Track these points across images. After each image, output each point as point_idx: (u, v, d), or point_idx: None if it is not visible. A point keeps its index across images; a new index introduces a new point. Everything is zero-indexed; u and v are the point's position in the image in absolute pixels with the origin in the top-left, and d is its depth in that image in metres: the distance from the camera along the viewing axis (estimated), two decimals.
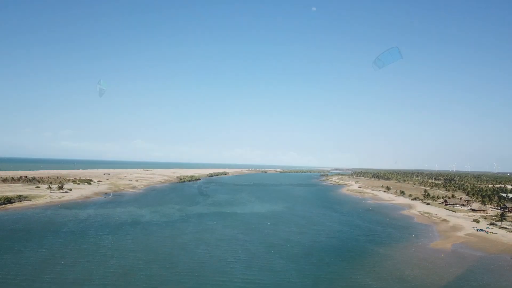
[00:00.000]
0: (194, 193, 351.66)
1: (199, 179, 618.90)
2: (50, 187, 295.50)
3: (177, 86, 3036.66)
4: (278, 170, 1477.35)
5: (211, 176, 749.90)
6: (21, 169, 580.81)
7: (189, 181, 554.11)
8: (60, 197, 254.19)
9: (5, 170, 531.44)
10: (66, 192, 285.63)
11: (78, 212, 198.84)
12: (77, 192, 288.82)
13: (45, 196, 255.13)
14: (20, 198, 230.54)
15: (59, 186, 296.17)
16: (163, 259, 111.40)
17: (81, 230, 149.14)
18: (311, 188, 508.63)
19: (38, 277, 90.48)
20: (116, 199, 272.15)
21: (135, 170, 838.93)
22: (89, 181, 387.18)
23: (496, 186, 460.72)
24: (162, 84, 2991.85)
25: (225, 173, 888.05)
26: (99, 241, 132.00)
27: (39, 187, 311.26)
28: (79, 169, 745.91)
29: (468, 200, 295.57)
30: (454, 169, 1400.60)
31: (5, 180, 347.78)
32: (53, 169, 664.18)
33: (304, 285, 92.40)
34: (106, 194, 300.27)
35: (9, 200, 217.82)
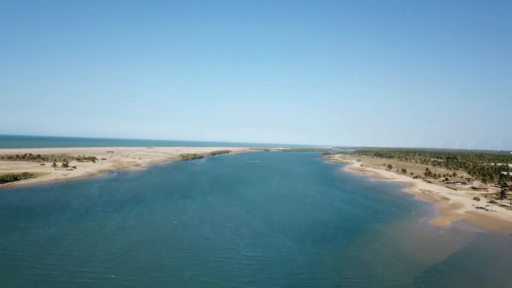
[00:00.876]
0: (197, 171, 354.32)
1: (202, 157, 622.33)
2: (55, 164, 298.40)
3: (182, 73, 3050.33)
4: (280, 148, 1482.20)
5: (214, 154, 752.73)
6: (25, 147, 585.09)
7: (192, 159, 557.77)
8: (65, 175, 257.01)
9: (9, 148, 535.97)
10: (70, 169, 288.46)
11: (83, 189, 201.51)
12: (81, 170, 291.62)
13: (50, 173, 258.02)
14: (26, 175, 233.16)
15: (63, 164, 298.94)
16: (167, 236, 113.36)
17: (86, 208, 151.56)
18: (314, 166, 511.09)
19: (45, 253, 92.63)
20: (120, 176, 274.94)
21: (138, 148, 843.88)
22: (93, 159, 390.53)
23: (498, 164, 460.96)
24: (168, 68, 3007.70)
25: (227, 152, 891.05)
26: (104, 218, 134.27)
27: (44, 164, 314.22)
28: (82, 146, 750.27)
29: (469, 179, 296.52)
30: (457, 148, 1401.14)
31: (10, 158, 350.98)
32: (56, 147, 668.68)
33: (307, 262, 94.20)
34: (110, 171, 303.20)
35: (15, 177, 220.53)
